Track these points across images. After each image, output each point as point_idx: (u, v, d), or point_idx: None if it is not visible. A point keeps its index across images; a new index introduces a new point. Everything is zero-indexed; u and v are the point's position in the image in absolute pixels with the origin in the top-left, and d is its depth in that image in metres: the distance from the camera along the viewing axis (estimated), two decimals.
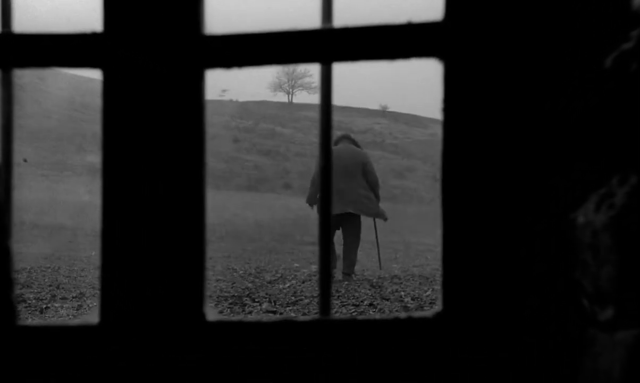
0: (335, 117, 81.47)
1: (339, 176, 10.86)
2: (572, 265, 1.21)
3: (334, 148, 11.09)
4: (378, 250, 12.83)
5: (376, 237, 12.68)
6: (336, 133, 11.42)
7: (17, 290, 9.86)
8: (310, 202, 11.67)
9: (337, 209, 10.94)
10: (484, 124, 1.26)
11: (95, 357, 1.28)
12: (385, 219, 11.90)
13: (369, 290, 10.53)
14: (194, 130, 1.29)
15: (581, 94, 1.23)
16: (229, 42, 1.29)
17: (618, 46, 1.19)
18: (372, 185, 11.42)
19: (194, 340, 1.28)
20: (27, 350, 1.27)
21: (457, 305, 1.26)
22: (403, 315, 1.27)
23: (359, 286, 10.89)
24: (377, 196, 11.54)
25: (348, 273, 11.30)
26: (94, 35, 1.28)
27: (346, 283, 11.05)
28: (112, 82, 1.28)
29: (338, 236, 11.47)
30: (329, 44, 1.29)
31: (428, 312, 1.28)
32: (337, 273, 11.38)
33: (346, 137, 11.67)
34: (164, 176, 1.29)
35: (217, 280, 11.26)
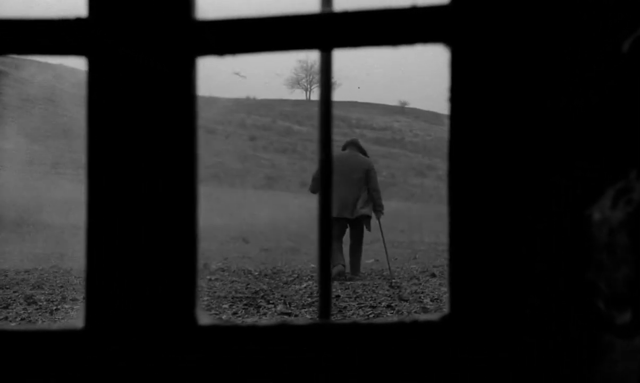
0: (354, 115, 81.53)
1: (342, 181, 11.55)
2: (577, 265, 1.15)
3: (340, 152, 11.95)
4: (387, 256, 13.13)
5: (384, 244, 13.06)
6: (354, 132, 11.89)
7: (28, 291, 9.86)
8: (314, 190, 12.08)
9: (336, 211, 11.57)
10: (489, 117, 1.21)
11: (79, 364, 1.22)
12: (369, 230, 12.31)
13: (388, 290, 10.49)
14: (185, 122, 1.24)
15: (582, 92, 1.18)
16: (221, 28, 1.24)
17: (633, 32, 1.14)
18: (372, 193, 12.02)
19: (185, 345, 1.23)
20: (1, 357, 1.22)
21: (465, 307, 1.20)
22: (408, 318, 1.22)
23: (377, 287, 10.85)
24: (376, 204, 12.09)
25: (352, 275, 11.85)
26: (77, 21, 1.23)
27: (363, 283, 11.06)
28: (97, 71, 1.23)
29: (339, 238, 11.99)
30: (328, 30, 1.23)
31: (434, 315, 1.22)
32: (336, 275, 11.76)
33: (354, 144, 12.32)
34: (153, 172, 1.24)
35: (232, 281, 11.24)
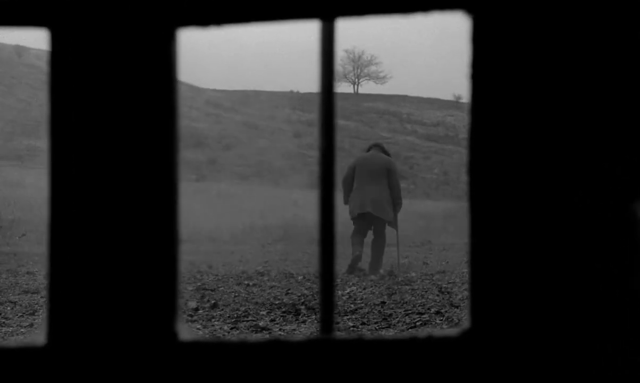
0: (405, 109, 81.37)
1: (365, 178, 13.01)
2: (619, 269, 1.03)
3: (365, 154, 13.64)
4: (398, 254, 13.88)
5: (397, 239, 13.96)
6: (405, 127, 12.55)
7: None
8: (346, 201, 13.39)
9: (358, 208, 13.03)
10: (515, 97, 1.08)
11: None
12: (396, 230, 13.65)
13: (438, 296, 10.35)
14: (163, 104, 1.13)
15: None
16: None
17: None
18: (392, 189, 13.21)
19: (163, 364, 1.12)
20: None
21: (488, 321, 1.08)
22: (422, 334, 1.10)
23: (426, 291, 10.72)
24: (395, 202, 13.33)
25: (373, 273, 12.95)
26: None
27: (412, 288, 10.99)
28: (61, 45, 1.12)
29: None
30: None
31: (453, 330, 1.10)
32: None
33: (378, 146, 13.87)
34: (126, 164, 1.12)
35: (271, 287, 11.16)
